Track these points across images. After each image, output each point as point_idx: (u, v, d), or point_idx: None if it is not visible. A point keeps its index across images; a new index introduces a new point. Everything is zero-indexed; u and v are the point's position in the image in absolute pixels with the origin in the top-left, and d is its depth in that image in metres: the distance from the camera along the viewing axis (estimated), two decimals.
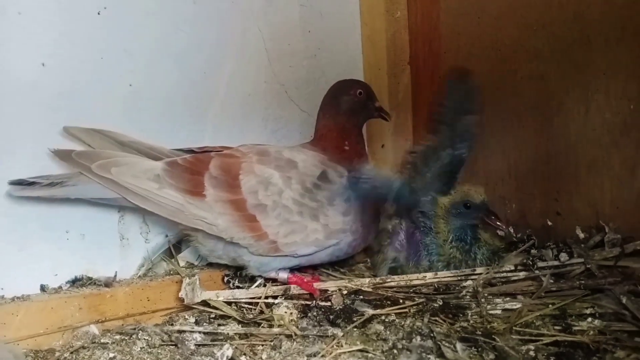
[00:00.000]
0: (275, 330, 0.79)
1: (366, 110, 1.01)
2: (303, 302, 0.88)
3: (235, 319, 0.86)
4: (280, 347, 0.74)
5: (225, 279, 0.99)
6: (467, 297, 0.82)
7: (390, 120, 1.08)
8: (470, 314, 0.77)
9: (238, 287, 0.96)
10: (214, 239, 0.91)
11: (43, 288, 0.91)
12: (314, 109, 1.08)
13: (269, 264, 0.92)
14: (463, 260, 0.92)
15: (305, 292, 0.92)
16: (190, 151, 0.94)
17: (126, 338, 0.82)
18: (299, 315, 0.84)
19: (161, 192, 0.86)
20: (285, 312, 0.83)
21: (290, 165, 0.91)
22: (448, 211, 0.92)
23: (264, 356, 0.72)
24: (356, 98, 0.99)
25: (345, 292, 0.89)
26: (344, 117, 0.99)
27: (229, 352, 0.73)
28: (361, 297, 0.88)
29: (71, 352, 0.78)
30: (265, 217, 0.87)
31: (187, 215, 0.87)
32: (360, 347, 0.70)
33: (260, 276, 0.95)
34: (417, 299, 0.83)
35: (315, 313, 0.83)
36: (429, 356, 0.66)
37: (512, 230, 0.97)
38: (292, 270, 0.96)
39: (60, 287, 0.92)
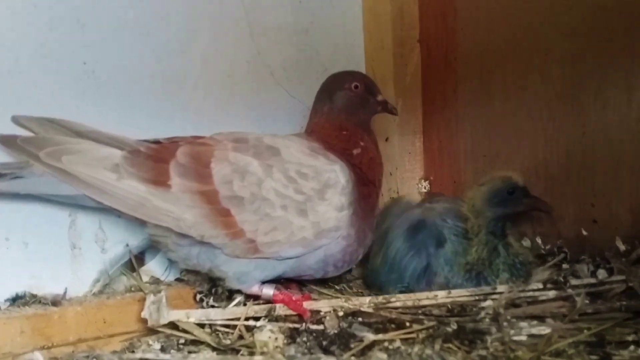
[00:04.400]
0: (257, 358, 0.79)
1: (367, 107, 1.03)
2: (290, 325, 0.88)
3: (209, 345, 0.86)
4: None
5: (198, 297, 0.99)
6: (487, 320, 0.82)
7: (397, 114, 1.10)
8: (490, 341, 0.77)
9: (213, 307, 0.96)
10: (186, 243, 0.92)
11: None
12: (305, 95, 1.10)
13: (250, 273, 0.93)
14: (487, 262, 0.95)
15: (293, 312, 0.92)
16: (157, 142, 0.95)
17: None
18: (285, 341, 0.84)
19: (120, 182, 0.87)
20: (270, 337, 0.84)
21: (270, 152, 0.92)
22: (486, 200, 0.96)
23: None
24: (352, 93, 1.01)
25: (341, 313, 0.89)
26: (341, 116, 1.01)
27: None
28: (360, 319, 0.88)
29: None
30: (242, 211, 0.88)
31: (150, 209, 0.88)
32: None
33: (240, 291, 0.96)
34: (426, 322, 0.83)
35: (305, 338, 0.83)
36: None
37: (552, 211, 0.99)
38: (278, 286, 0.96)
39: None
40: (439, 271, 0.97)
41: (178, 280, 1.05)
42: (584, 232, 1.00)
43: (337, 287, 1.08)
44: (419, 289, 0.96)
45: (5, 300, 0.92)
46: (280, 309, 0.93)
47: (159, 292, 0.92)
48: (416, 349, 0.75)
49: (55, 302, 0.92)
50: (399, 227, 1.02)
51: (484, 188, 0.96)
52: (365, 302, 0.91)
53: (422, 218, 1.01)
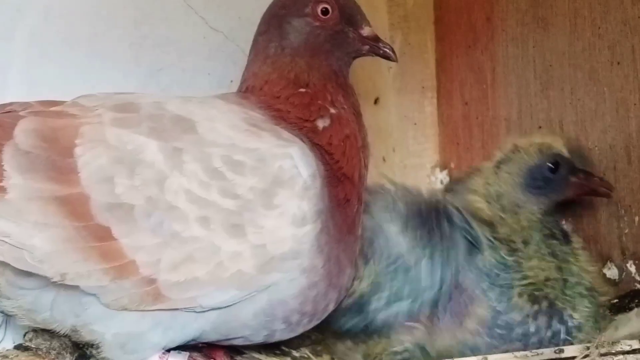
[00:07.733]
0: None
1: (343, 46, 0.95)
2: None
3: None
4: None
5: None
6: None
7: (396, 59, 0.99)
8: None
9: None
10: (34, 286, 0.82)
11: None
12: (238, 27, 1.08)
13: (144, 335, 0.83)
14: (559, 282, 0.87)
15: None
16: None
17: None
18: None
19: None
20: None
21: (180, 127, 0.84)
22: (520, 185, 0.91)
23: None
24: (318, 22, 0.93)
25: None
26: (298, 62, 0.93)
27: None
28: None
29: None
30: (131, 230, 0.80)
31: None
32: None
33: None
34: None
35: None
36: None
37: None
38: (194, 355, 0.88)
39: None
40: (477, 294, 0.88)
41: (19, 348, 0.96)
42: None
43: (295, 352, 0.96)
44: (440, 324, 0.89)
45: None
46: None
47: None
48: None
49: None
50: (396, 219, 0.93)
51: (512, 166, 0.91)
52: None
53: (436, 200, 0.95)
